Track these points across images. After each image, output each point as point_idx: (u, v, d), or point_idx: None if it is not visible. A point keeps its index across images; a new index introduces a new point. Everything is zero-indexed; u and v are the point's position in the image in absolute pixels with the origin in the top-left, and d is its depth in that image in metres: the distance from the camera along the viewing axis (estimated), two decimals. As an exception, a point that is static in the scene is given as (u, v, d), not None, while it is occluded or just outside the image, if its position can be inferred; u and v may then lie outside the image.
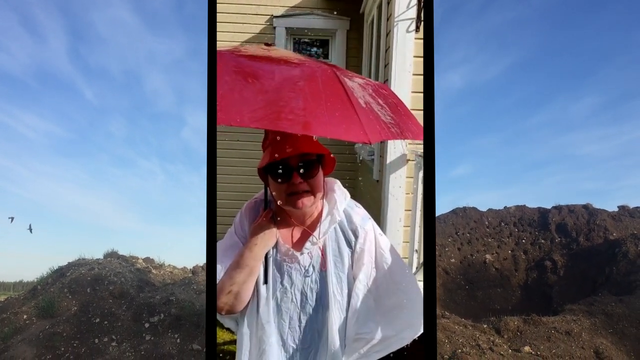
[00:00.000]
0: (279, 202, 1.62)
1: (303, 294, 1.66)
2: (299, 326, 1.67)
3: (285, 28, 6.69)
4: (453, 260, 10.64)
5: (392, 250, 1.74)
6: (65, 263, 7.98)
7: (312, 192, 1.59)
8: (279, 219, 1.69)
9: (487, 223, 11.58)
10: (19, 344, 5.68)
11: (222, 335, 4.33)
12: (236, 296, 1.59)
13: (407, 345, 1.66)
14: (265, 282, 1.64)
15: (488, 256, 10.70)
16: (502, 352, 5.42)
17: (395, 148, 3.72)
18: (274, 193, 1.61)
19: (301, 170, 1.54)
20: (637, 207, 10.83)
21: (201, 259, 8.86)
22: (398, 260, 1.73)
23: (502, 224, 11.43)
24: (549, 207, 11.62)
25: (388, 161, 3.77)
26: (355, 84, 1.50)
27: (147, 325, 6.09)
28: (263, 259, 1.63)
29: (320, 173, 1.61)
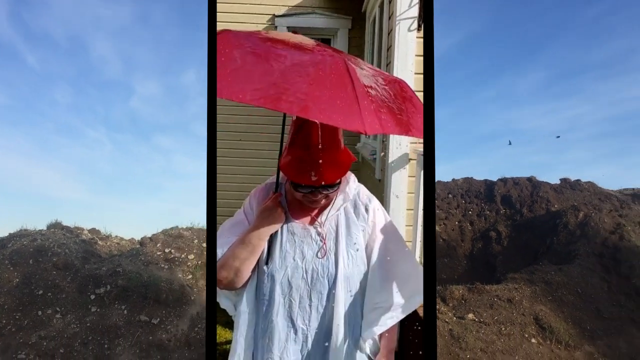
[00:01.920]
0: (295, 196, 1.65)
1: (315, 270, 1.67)
2: (309, 305, 1.68)
3: (287, 27, 6.61)
4: (403, 231, 10.84)
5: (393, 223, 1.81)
6: (5, 234, 7.67)
7: (330, 198, 1.65)
8: (290, 197, 1.71)
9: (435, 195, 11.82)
10: (-44, 317, 5.46)
11: (224, 335, 4.23)
12: (236, 272, 1.62)
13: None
14: (267, 263, 1.66)
15: (436, 227, 10.96)
16: (447, 320, 5.60)
17: (398, 147, 3.73)
18: (291, 191, 1.65)
19: (324, 192, 1.58)
20: (578, 180, 11.27)
21: (149, 230, 8.68)
22: (399, 232, 1.80)
23: (450, 195, 11.70)
24: (494, 179, 11.95)
25: (390, 160, 3.77)
26: (367, 74, 1.49)
27: (92, 297, 5.96)
28: (267, 240, 1.65)
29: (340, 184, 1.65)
